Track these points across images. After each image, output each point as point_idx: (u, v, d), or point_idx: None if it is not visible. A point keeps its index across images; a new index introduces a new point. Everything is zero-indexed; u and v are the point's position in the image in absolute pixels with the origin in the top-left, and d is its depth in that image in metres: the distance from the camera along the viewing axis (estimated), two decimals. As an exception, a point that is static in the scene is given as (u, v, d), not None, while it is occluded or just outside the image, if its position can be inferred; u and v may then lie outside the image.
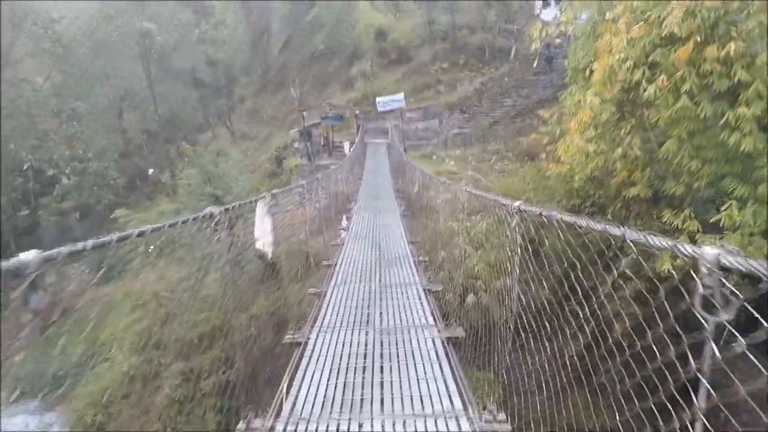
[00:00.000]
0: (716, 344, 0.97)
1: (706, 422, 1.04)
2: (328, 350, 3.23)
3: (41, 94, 25.07)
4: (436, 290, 4.78)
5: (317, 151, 21.33)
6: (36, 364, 13.84)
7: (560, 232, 1.81)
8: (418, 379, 2.74)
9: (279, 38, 38.06)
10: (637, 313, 1.40)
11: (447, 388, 2.62)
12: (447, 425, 2.34)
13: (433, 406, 2.48)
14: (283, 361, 3.44)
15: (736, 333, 0.93)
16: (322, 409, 2.56)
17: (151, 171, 30.80)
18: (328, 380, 2.81)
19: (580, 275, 1.79)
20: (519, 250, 2.39)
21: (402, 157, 14.60)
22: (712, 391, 0.99)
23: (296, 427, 2.42)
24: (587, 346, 1.73)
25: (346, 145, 20.55)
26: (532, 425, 2.58)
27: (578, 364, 1.79)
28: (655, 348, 1.29)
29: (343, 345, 3.29)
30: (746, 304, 0.94)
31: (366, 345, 3.28)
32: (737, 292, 0.93)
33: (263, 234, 3.32)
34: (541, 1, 25.15)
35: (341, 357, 3.11)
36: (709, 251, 1.00)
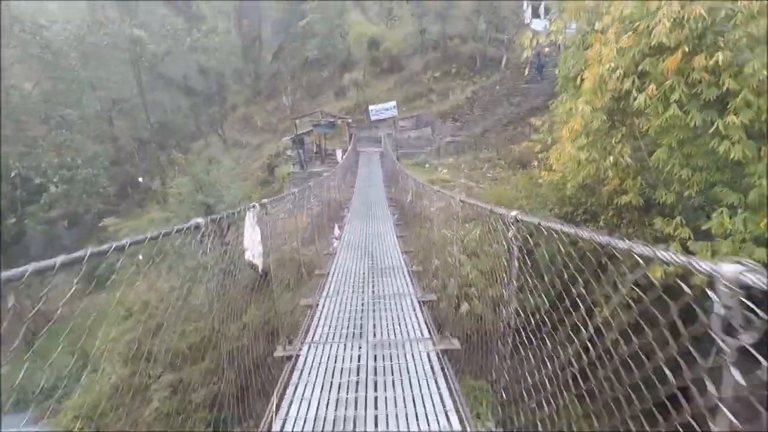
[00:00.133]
0: (738, 369, 0.90)
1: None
2: (320, 365, 3.14)
3: (30, 100, 24.73)
4: (430, 300, 4.71)
5: (310, 159, 21.27)
6: (21, 376, 13.44)
7: (560, 245, 1.77)
8: (413, 396, 2.66)
9: (271, 46, 38.12)
10: (644, 328, 1.34)
11: (443, 404, 2.55)
12: (443, 444, 2.26)
13: (429, 425, 2.41)
14: (275, 372, 3.33)
15: (761, 358, 0.86)
16: (313, 427, 2.46)
17: (141, 179, 30.47)
18: (320, 397, 2.72)
19: (583, 290, 1.74)
20: (516, 262, 2.33)
21: (395, 166, 14.59)
22: (735, 421, 0.91)
23: (287, 447, 2.33)
24: (590, 362, 1.68)
25: (339, 153, 20.52)
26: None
27: (580, 379, 1.73)
28: (665, 370, 1.22)
29: (336, 359, 3.19)
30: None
31: (359, 359, 3.18)
32: (761, 314, 0.86)
33: (252, 245, 3.24)
34: (530, 11, 25.56)
35: (333, 372, 3.01)
36: (727, 268, 0.93)
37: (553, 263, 1.94)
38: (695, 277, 1.02)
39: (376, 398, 2.68)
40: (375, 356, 3.23)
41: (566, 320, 1.85)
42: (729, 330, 0.91)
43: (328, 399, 2.69)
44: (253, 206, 3.36)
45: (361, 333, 3.70)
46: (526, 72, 19.99)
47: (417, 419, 2.45)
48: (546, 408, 2.00)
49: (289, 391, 2.79)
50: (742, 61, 5.02)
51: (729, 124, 4.99)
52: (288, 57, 34.27)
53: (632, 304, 1.36)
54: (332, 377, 2.94)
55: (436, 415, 2.47)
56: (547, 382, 2.00)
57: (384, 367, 3.05)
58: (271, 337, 6.67)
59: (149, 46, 29.51)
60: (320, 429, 2.44)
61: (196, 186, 14.38)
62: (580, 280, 1.72)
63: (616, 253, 1.31)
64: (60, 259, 1.25)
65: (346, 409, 2.58)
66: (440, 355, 3.16)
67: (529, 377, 2.14)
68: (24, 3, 25.49)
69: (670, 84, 5.35)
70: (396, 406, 2.56)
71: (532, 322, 2.17)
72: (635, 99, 5.62)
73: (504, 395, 2.48)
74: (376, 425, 2.45)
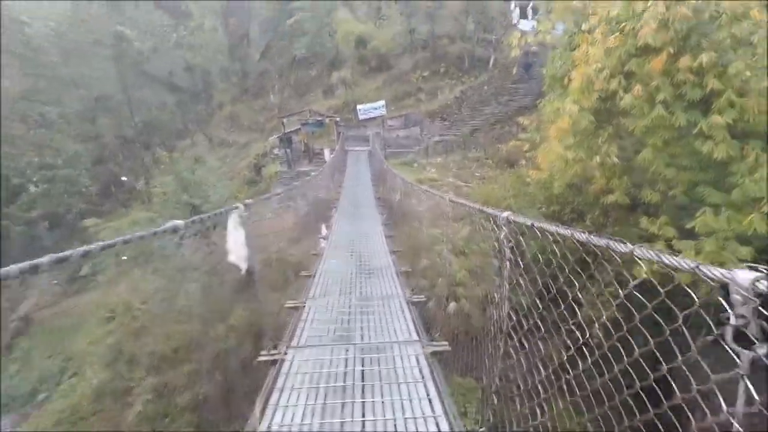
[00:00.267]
0: (751, 382, 0.84)
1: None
2: (305, 370, 3.04)
3: (8, 98, 24.03)
4: (418, 301, 4.65)
5: (297, 158, 21.08)
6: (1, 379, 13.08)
7: (555, 246, 1.72)
8: (401, 401, 2.59)
9: (259, 44, 37.70)
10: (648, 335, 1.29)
11: (432, 410, 2.48)
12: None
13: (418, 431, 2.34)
14: (261, 374, 3.23)
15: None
16: (299, 435, 2.38)
17: (125, 178, 29.84)
18: (306, 404, 2.63)
19: (579, 293, 1.69)
20: (508, 264, 2.28)
21: (383, 165, 14.53)
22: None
23: (271, 457, 2.24)
24: (586, 368, 1.63)
25: (327, 152, 20.39)
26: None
27: (575, 385, 1.68)
28: (673, 384, 1.16)
29: (322, 364, 3.10)
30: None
31: (346, 364, 3.10)
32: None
33: (236, 247, 3.14)
34: (518, 12, 25.72)
35: (320, 378, 2.92)
36: (742, 275, 0.87)
37: (548, 266, 1.89)
38: (701, 281, 0.96)
39: (363, 405, 2.60)
40: (362, 360, 3.15)
41: (561, 325, 1.80)
42: (741, 339, 0.86)
43: (314, 406, 2.60)
44: (236, 207, 3.26)
45: (348, 336, 3.62)
46: (514, 72, 20.15)
47: (406, 426, 2.39)
48: (539, 414, 1.95)
49: (274, 398, 2.70)
50: (726, 62, 5.08)
51: (712, 124, 5.06)
52: (276, 55, 33.94)
53: (634, 310, 1.31)
54: (318, 383, 2.85)
55: (425, 421, 2.41)
56: (540, 388, 1.95)
57: (372, 371, 2.97)
58: (257, 338, 6.55)
59: (134, 43, 28.93)
60: (306, 437, 2.36)
61: (180, 185, 14.13)
62: (576, 282, 1.68)
63: (615, 256, 1.27)
64: (14, 267, 1.15)
65: (332, 415, 2.50)
66: (429, 359, 3.10)
67: (521, 383, 2.09)
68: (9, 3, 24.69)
69: (655, 84, 5.39)
70: (384, 413, 2.49)
71: (525, 325, 2.12)
72: (622, 99, 5.66)
73: (495, 400, 2.44)
74: (363, 433, 2.37)
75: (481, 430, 2.22)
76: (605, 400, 1.51)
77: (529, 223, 1.93)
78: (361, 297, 4.72)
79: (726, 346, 0.89)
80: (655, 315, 1.17)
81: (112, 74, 29.43)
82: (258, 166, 22.99)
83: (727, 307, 0.89)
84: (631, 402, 1.38)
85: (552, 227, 1.72)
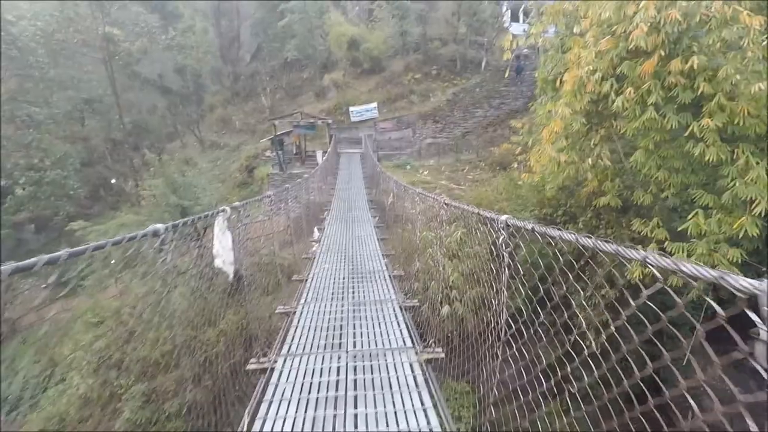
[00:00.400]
0: None
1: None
2: (296, 378, 2.94)
3: (-6, 99, 23.55)
4: (412, 305, 4.58)
5: (289, 160, 20.94)
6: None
7: (556, 250, 1.65)
8: (395, 412, 2.50)
9: (250, 46, 37.49)
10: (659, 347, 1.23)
11: (428, 421, 2.40)
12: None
13: (411, 443, 2.26)
14: (251, 380, 3.13)
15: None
16: (289, 448, 2.29)
17: (114, 181, 29.37)
18: (296, 415, 2.53)
19: (584, 302, 1.63)
20: (507, 270, 2.21)
21: (376, 167, 14.46)
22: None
23: (260, 470, 2.15)
24: (593, 383, 1.55)
25: (319, 154, 20.27)
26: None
27: (579, 398, 1.61)
28: (689, 399, 1.10)
29: (313, 373, 3.00)
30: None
31: (338, 372, 3.00)
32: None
33: (223, 251, 3.03)
34: (509, 15, 25.90)
35: (311, 387, 2.83)
36: None
37: (549, 271, 1.82)
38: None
39: (356, 415, 2.51)
40: (355, 368, 3.06)
41: (564, 334, 1.73)
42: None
43: (305, 417, 2.51)
44: (223, 210, 3.16)
45: (340, 343, 3.53)
46: (506, 74, 20.25)
47: (399, 437, 2.31)
48: (540, 428, 1.89)
49: (263, 408, 2.60)
50: (716, 65, 5.10)
51: (704, 126, 5.07)
52: (267, 57, 33.77)
53: (647, 322, 1.24)
54: (309, 393, 2.76)
55: (420, 432, 2.32)
56: (541, 399, 1.88)
57: (365, 380, 2.88)
58: (248, 343, 6.43)
59: (123, 44, 28.54)
60: (296, 450, 2.26)
61: (170, 188, 13.93)
62: (581, 291, 1.61)
63: (624, 262, 1.21)
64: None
65: (323, 426, 2.41)
66: (424, 366, 3.02)
67: (521, 393, 2.02)
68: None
69: (647, 87, 5.40)
70: (377, 425, 2.41)
71: (525, 333, 2.05)
72: (613, 102, 5.66)
73: (494, 413, 2.36)
74: (356, 444, 2.28)
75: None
76: (613, 415, 1.44)
77: (529, 226, 1.86)
78: (353, 302, 4.63)
79: (756, 365, 0.82)
80: (670, 327, 1.11)
81: (101, 75, 29.01)
82: (249, 169, 22.82)
83: (757, 321, 0.81)
84: (640, 416, 1.32)
85: (554, 231, 1.65)
